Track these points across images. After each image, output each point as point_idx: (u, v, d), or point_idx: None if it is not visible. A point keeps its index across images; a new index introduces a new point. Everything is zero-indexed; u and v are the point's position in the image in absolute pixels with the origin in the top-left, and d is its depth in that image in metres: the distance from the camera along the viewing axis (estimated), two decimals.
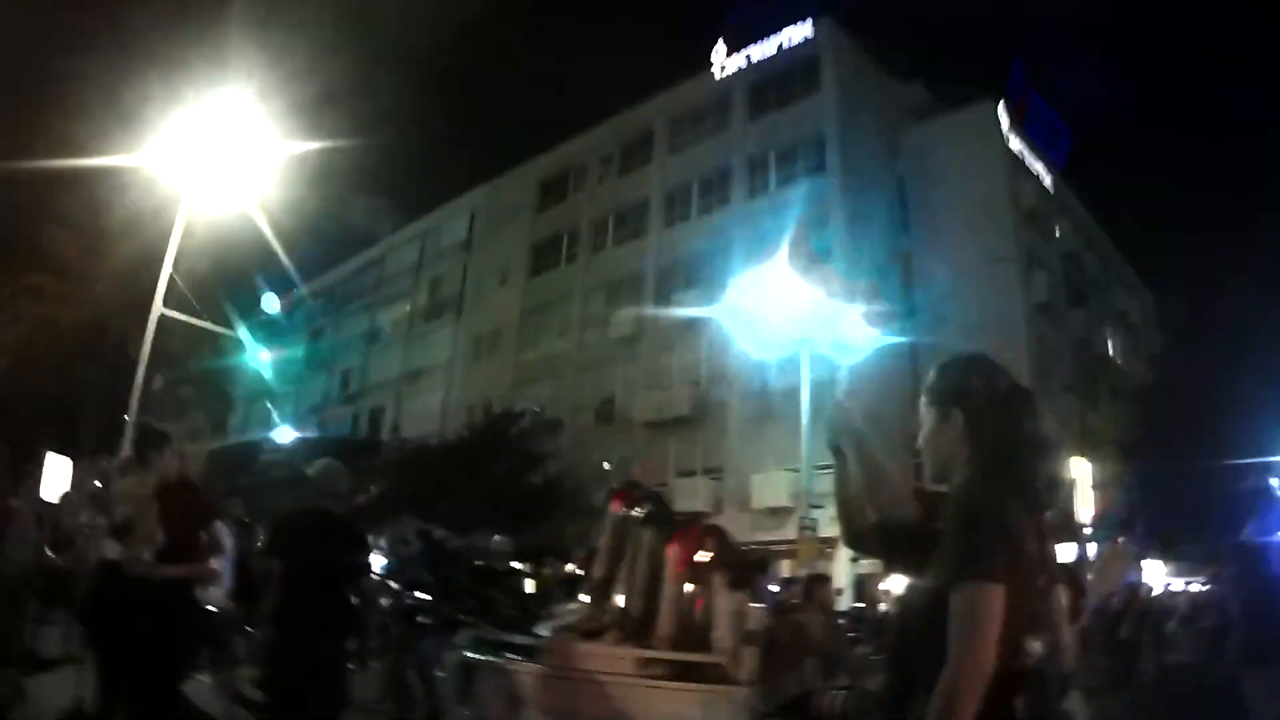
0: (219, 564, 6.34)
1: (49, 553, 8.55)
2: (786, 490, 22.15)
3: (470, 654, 7.88)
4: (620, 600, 7.51)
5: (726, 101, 30.26)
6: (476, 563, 10.39)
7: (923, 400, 2.27)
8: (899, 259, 27.12)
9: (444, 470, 27.14)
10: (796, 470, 17.91)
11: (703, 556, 7.32)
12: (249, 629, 7.44)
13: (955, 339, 17.74)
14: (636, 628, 7.22)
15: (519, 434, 28.46)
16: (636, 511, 7.68)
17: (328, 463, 5.99)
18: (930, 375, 2.29)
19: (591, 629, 7.52)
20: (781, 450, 21.06)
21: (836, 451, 2.48)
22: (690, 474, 26.26)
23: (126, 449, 17.90)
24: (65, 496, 10.67)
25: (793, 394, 15.77)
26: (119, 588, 5.35)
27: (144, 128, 17.97)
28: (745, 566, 8.14)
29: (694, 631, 7.11)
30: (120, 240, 26.47)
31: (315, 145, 19.50)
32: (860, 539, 2.47)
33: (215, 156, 17.54)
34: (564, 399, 30.55)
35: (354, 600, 5.87)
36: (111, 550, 5.54)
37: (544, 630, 7.94)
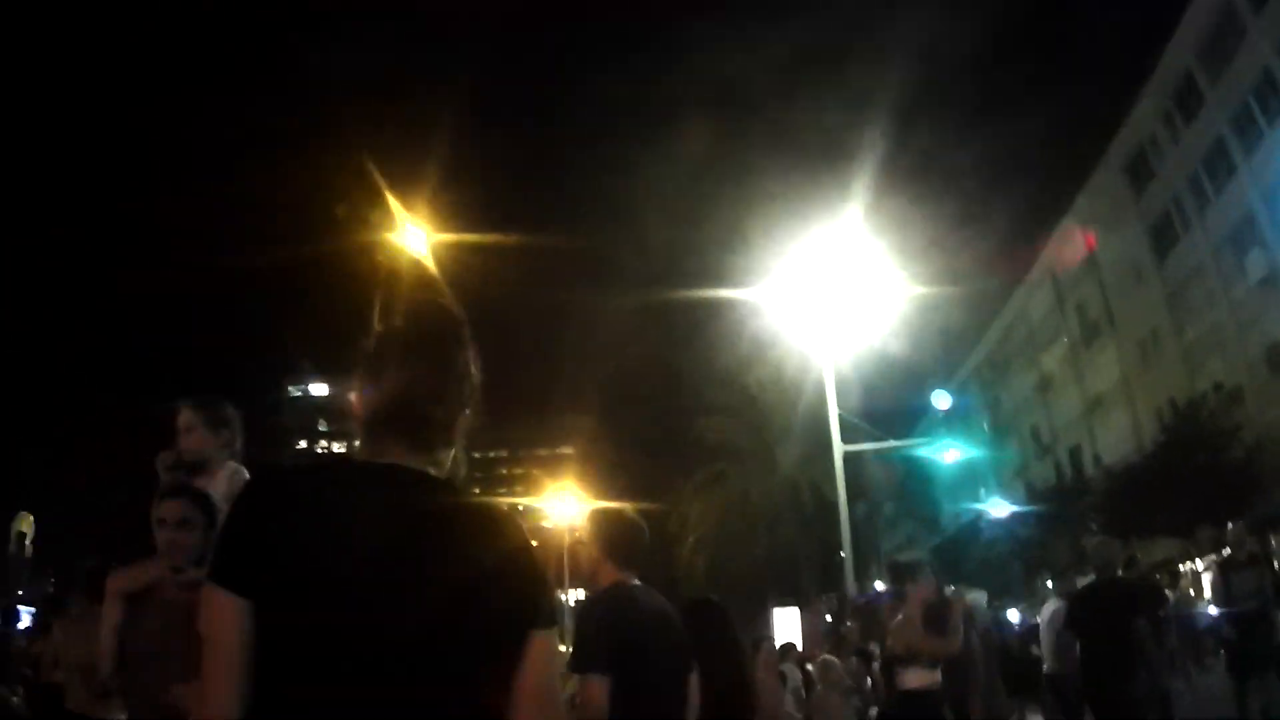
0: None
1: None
2: None
3: None
4: None
5: (1231, 7, 27.61)
6: None
7: None
8: None
9: (1152, 482, 27.08)
10: None
11: None
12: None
13: None
14: None
15: (1206, 418, 27.50)
16: None
17: (1100, 540, 8.26)
18: None
19: None
20: None
21: None
22: None
23: (851, 586, 20.65)
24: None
25: None
26: (923, 711, 6.36)
27: (763, 269, 18.05)
28: None
29: None
30: (776, 405, 31.15)
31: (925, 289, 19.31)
32: None
33: (837, 283, 17.20)
34: (1235, 364, 28.71)
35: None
36: (914, 679, 6.40)
37: None
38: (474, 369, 1.90)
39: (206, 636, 1.62)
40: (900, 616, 6.70)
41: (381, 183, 14.94)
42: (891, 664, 6.79)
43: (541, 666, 1.73)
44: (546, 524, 40.68)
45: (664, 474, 43.55)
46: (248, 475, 3.99)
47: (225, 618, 1.60)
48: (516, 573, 1.76)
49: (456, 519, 1.76)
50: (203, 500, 3.73)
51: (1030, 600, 28.94)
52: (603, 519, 4.12)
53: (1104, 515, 28.54)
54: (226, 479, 4.03)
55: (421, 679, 1.60)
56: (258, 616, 1.58)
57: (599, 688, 3.41)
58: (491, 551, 1.73)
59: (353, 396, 1.84)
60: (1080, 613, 7.67)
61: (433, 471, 1.80)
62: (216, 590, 1.62)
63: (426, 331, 1.89)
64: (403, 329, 1.90)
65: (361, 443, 1.81)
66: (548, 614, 1.79)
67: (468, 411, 1.88)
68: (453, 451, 1.85)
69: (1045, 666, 11.03)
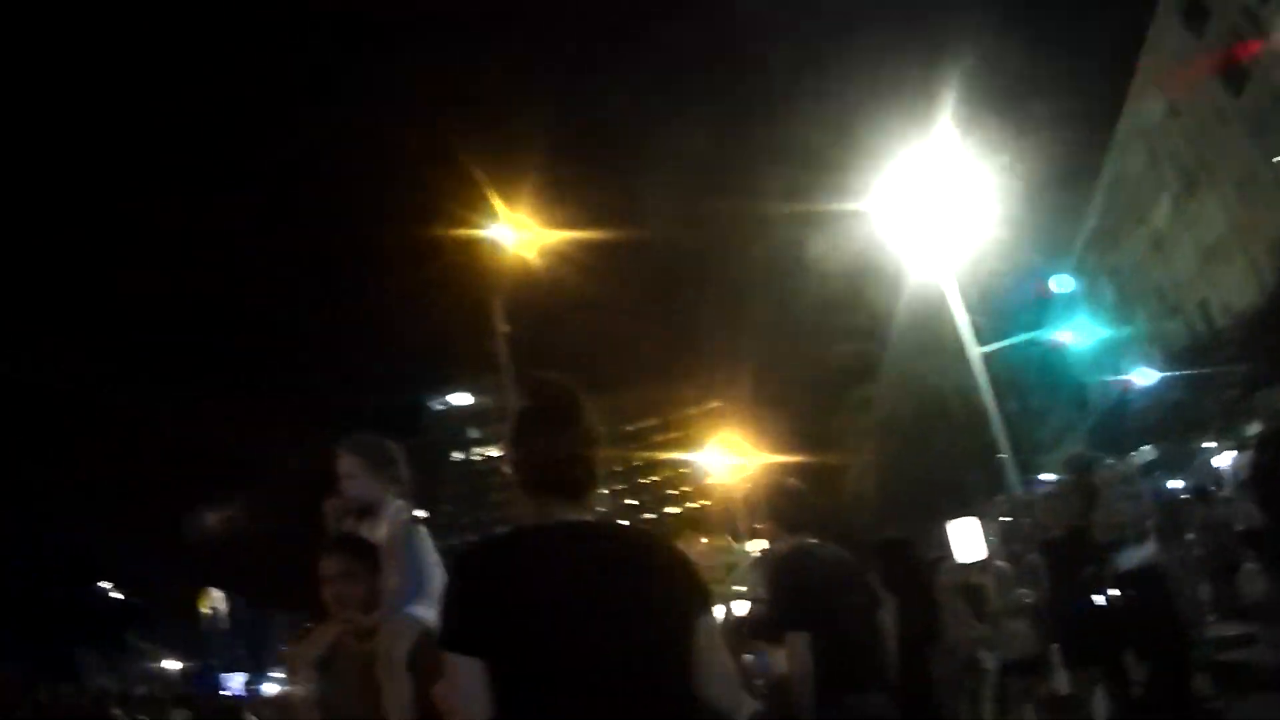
0: None
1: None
2: None
3: None
4: None
5: None
6: None
7: None
8: None
9: None
10: None
11: None
12: None
13: None
14: None
15: None
16: None
17: (1265, 390, 8.04)
18: None
19: None
20: None
21: None
22: None
23: (1013, 484, 21.20)
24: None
25: None
26: (1152, 586, 6.33)
27: (857, 184, 18.40)
28: None
29: None
30: (902, 319, 31.16)
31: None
32: None
33: (940, 189, 17.36)
34: None
35: None
36: (1130, 558, 6.41)
37: None
38: (598, 427, 2.20)
39: (449, 696, 1.90)
40: (1097, 505, 6.86)
41: (489, 186, 15.80)
42: (1104, 551, 6.77)
43: (710, 642, 2.11)
44: (711, 479, 41.27)
45: (812, 408, 44.08)
46: (412, 514, 4.05)
47: (463, 677, 1.87)
48: (680, 580, 2.11)
49: (627, 555, 2.08)
50: (364, 549, 3.79)
51: (1190, 465, 28.98)
52: (767, 491, 4.48)
53: (1245, 364, 28.44)
54: (390, 520, 3.94)
55: (639, 691, 1.90)
56: (491, 671, 1.85)
57: (801, 643, 3.72)
58: (659, 571, 2.08)
59: (505, 467, 2.18)
60: (1262, 463, 7.35)
61: (591, 518, 2.14)
62: (450, 654, 1.90)
63: (556, 408, 2.19)
64: (535, 407, 2.22)
65: (526, 505, 2.12)
66: (706, 602, 2.19)
67: (601, 457, 2.19)
68: (598, 492, 2.15)
69: (1239, 525, 10.97)
